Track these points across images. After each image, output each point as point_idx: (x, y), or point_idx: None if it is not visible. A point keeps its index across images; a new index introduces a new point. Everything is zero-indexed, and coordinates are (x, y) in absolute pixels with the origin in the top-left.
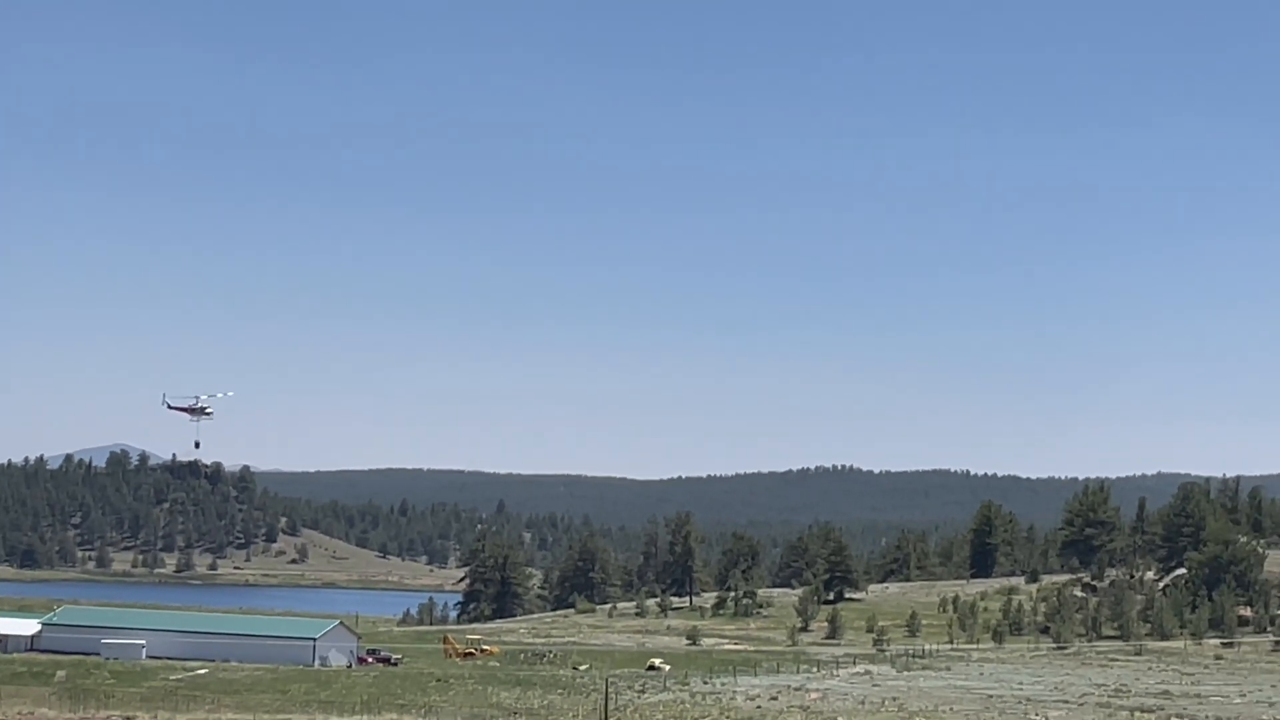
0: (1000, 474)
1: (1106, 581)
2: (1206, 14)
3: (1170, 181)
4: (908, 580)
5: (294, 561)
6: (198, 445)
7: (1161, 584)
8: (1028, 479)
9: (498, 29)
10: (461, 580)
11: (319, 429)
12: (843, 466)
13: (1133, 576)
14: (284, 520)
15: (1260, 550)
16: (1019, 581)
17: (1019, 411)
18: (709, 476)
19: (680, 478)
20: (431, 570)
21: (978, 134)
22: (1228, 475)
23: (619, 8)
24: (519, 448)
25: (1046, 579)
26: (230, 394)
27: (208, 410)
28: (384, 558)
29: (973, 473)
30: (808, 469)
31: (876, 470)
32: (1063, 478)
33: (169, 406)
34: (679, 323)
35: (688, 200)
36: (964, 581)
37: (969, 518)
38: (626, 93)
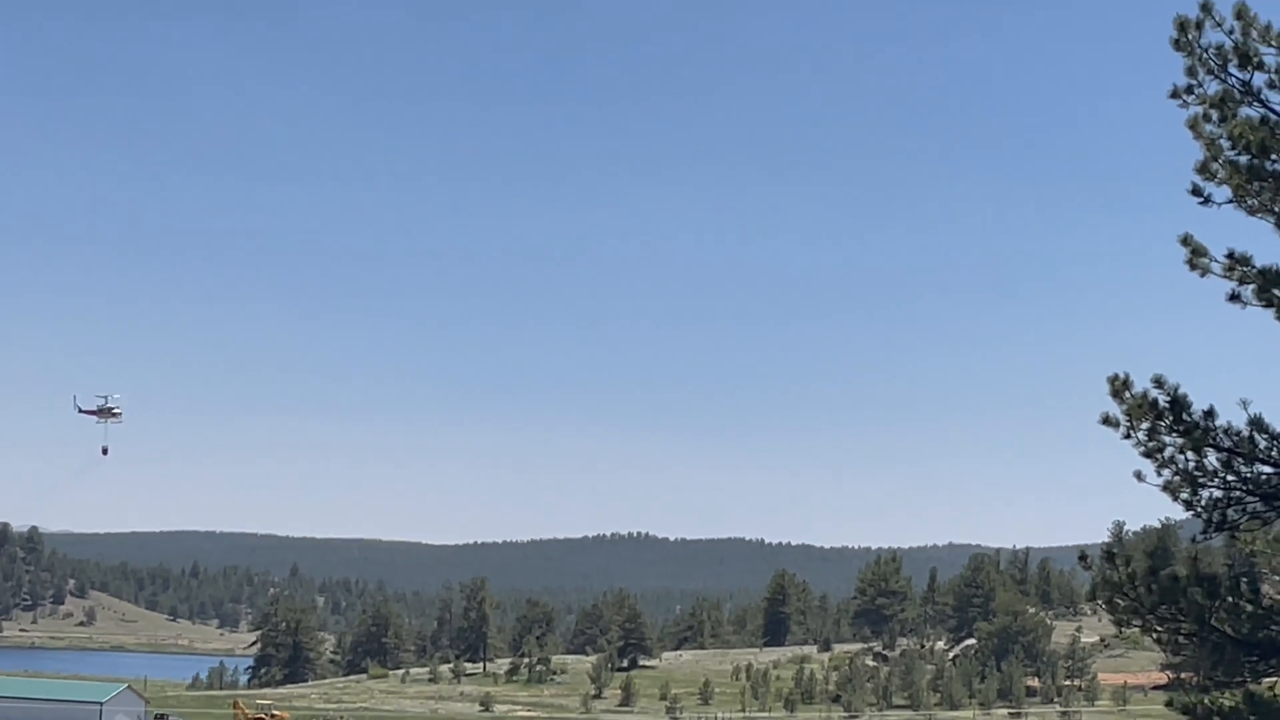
0: (794, 543)
1: (898, 651)
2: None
3: (956, 253)
4: (702, 648)
5: (82, 624)
6: (105, 451)
7: (951, 654)
8: (821, 548)
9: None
10: (253, 644)
11: (109, 489)
12: (638, 534)
13: (923, 646)
14: (72, 582)
15: (1048, 621)
16: (812, 650)
17: (813, 480)
18: (504, 542)
19: (475, 543)
20: (223, 634)
21: (733, 182)
22: (1017, 547)
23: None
24: (313, 511)
25: (839, 648)
26: (118, 397)
27: (116, 411)
28: (174, 621)
29: (767, 541)
30: (603, 535)
31: (671, 538)
32: (855, 547)
33: (79, 410)
34: (475, 386)
35: (482, 260)
36: (757, 650)
37: (763, 586)
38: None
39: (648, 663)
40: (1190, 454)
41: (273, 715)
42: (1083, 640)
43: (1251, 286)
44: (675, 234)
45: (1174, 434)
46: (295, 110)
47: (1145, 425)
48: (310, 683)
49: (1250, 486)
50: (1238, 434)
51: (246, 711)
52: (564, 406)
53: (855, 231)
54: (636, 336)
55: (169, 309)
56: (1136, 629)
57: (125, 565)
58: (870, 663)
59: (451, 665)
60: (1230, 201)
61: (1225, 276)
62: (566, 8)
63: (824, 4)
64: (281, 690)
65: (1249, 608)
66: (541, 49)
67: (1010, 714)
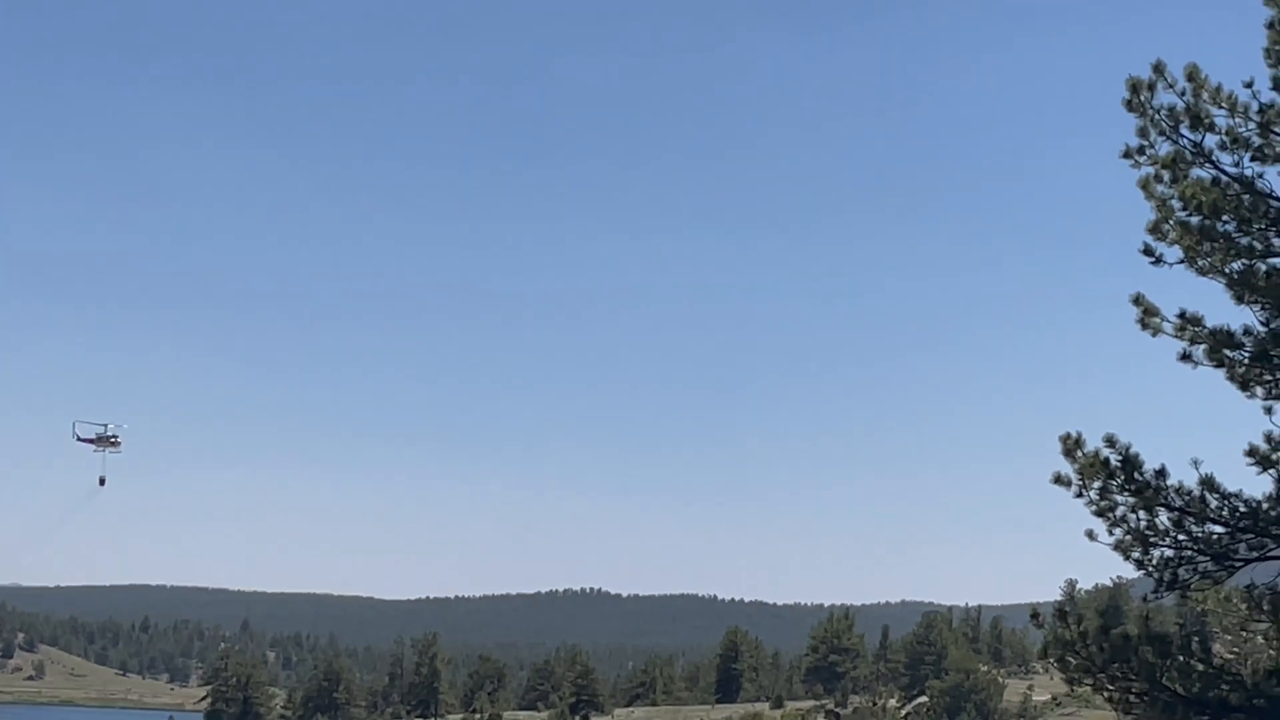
0: (747, 599)
1: (850, 708)
2: None
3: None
4: (654, 705)
5: (31, 678)
6: (102, 482)
7: (904, 711)
8: (774, 605)
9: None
10: (203, 699)
11: (59, 543)
12: (591, 589)
13: (875, 704)
14: (21, 636)
15: (1000, 679)
16: (764, 707)
17: (765, 537)
18: (456, 597)
19: (427, 598)
20: (173, 689)
21: (687, 236)
22: (970, 604)
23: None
24: (264, 565)
25: (791, 705)
26: (124, 426)
27: (115, 440)
28: (124, 675)
29: (720, 598)
30: (555, 591)
31: (624, 594)
32: (808, 604)
33: (78, 438)
34: (426, 440)
35: (436, 314)
36: (710, 706)
37: (715, 643)
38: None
39: (600, 719)
40: (1142, 513)
41: None
42: (1035, 699)
43: (1203, 346)
44: (630, 293)
45: (1126, 493)
46: (250, 169)
47: (1097, 484)
48: None
49: (1201, 546)
50: (1189, 493)
51: None
52: (517, 463)
53: (804, 293)
54: (589, 393)
55: (114, 361)
56: (1088, 687)
57: (75, 619)
58: (822, 719)
59: None
60: (1182, 262)
61: (1177, 336)
62: (538, 75)
63: (786, 75)
64: None
65: (1200, 667)
66: (509, 116)
67: None
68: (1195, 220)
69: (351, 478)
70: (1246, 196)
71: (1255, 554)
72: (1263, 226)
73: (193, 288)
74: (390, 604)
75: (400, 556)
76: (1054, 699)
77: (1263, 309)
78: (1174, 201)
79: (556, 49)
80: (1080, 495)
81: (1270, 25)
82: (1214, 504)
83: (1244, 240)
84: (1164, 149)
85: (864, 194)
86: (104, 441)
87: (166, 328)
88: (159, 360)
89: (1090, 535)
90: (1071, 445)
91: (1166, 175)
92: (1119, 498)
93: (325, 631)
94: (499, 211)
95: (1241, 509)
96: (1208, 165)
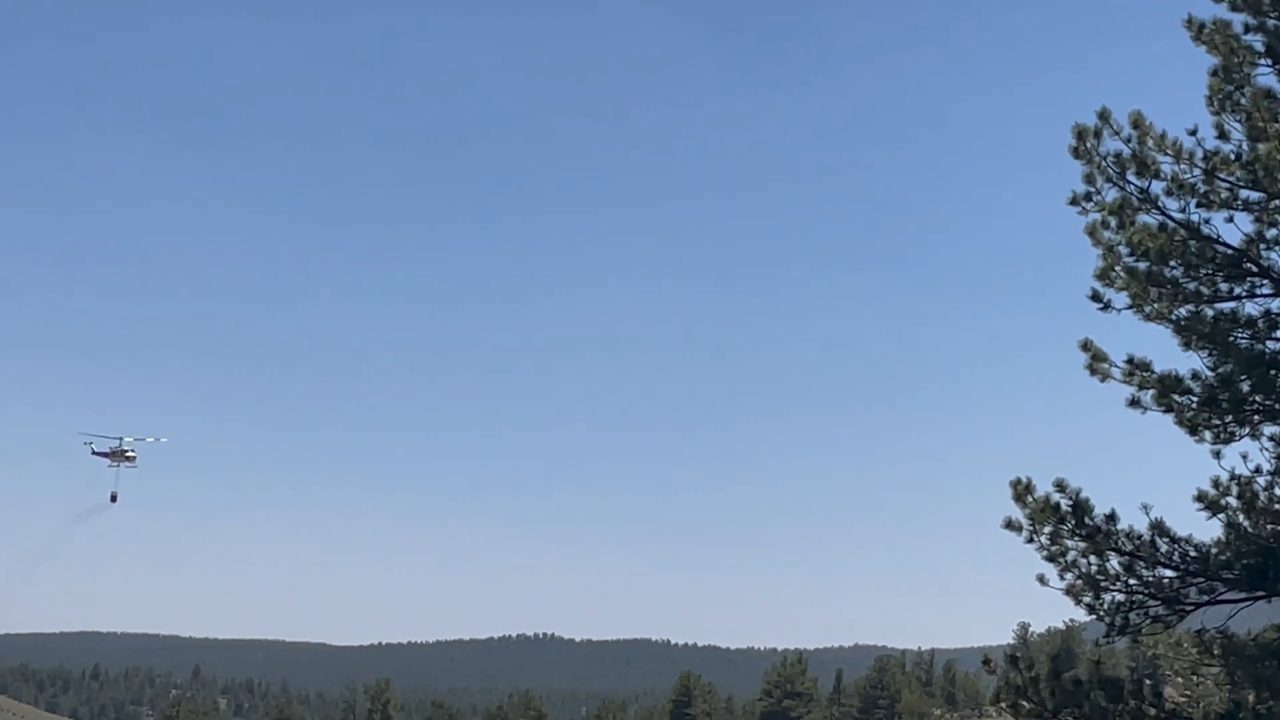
0: (700, 644)
1: None
2: None
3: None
4: None
5: None
6: (114, 499)
7: None
8: (727, 649)
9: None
10: None
11: (7, 590)
12: (544, 634)
13: None
14: None
15: None
16: None
17: (719, 581)
18: (409, 643)
19: (380, 644)
20: None
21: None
22: (923, 648)
23: None
24: (215, 611)
25: None
26: (163, 440)
27: (130, 455)
28: None
29: (673, 642)
30: (509, 636)
31: (577, 638)
32: (761, 648)
33: (94, 453)
34: (381, 486)
35: (381, 362)
36: None
37: (669, 687)
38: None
39: None
40: (1093, 558)
41: None
42: None
43: (1151, 391)
44: (578, 339)
45: (1076, 538)
46: (221, 225)
47: (1048, 529)
48: None
49: (1152, 590)
50: (1139, 538)
51: None
52: (470, 508)
53: (755, 340)
54: (541, 437)
55: (60, 408)
56: None
57: (25, 667)
58: None
59: None
60: (1130, 307)
61: (1125, 382)
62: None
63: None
64: None
65: (1151, 711)
66: (473, 171)
67: None
68: (1142, 266)
69: (303, 524)
70: (1193, 242)
71: (1206, 598)
72: (1209, 271)
73: (133, 334)
74: (342, 650)
75: (352, 602)
76: None
77: (1210, 354)
78: (1121, 247)
79: (517, 103)
80: (1031, 540)
81: (1213, 72)
82: (1164, 548)
83: (1191, 285)
84: (1110, 195)
85: (810, 244)
86: (119, 456)
87: (110, 369)
88: (107, 406)
89: (1042, 580)
90: (1022, 490)
91: (1113, 221)
92: (1070, 542)
93: (277, 678)
94: (438, 260)
95: (1192, 553)
96: (1154, 211)
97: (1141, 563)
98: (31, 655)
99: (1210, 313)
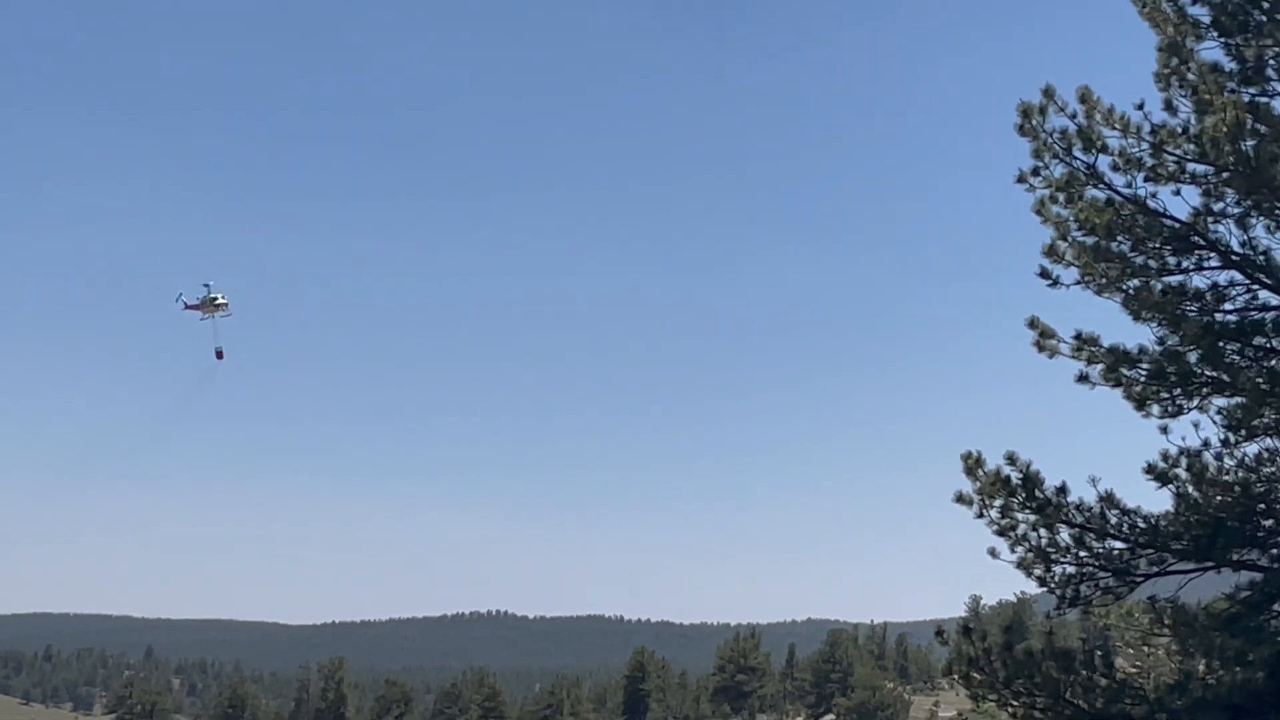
0: (653, 619)
1: None
2: None
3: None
4: None
5: None
6: (220, 354)
7: None
8: (680, 624)
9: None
10: None
11: None
12: (497, 612)
13: None
14: None
15: (906, 696)
16: None
17: (671, 557)
18: (362, 622)
19: (333, 622)
20: (77, 718)
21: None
22: (875, 622)
23: None
24: (167, 591)
25: None
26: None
27: (222, 301)
28: (27, 704)
29: (626, 618)
30: (462, 614)
31: (530, 615)
32: (714, 623)
33: (185, 306)
34: (327, 465)
35: (326, 344)
36: None
37: (622, 664)
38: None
39: None
40: (1043, 530)
41: None
42: (940, 715)
43: (1100, 366)
44: (535, 321)
45: (1027, 510)
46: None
47: (998, 503)
48: None
49: (1102, 562)
50: (1089, 510)
51: None
52: (422, 486)
53: (710, 316)
54: (492, 417)
55: (21, 383)
56: (993, 703)
57: None
58: None
59: None
60: (1078, 283)
61: (1074, 357)
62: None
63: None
64: None
65: (1103, 682)
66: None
67: None
68: (1090, 240)
69: (255, 502)
70: (1140, 216)
71: (1155, 569)
72: (1157, 245)
73: (99, 313)
74: (295, 629)
75: (305, 581)
76: (959, 715)
77: (1159, 325)
78: (1070, 223)
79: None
80: (982, 515)
81: (1160, 48)
82: (1114, 520)
83: (1139, 259)
84: (1058, 171)
85: (761, 223)
86: (210, 306)
87: (69, 356)
88: (63, 390)
89: (993, 553)
90: (973, 464)
91: (1061, 197)
92: (1020, 515)
93: (230, 658)
94: (402, 245)
95: (1141, 525)
96: (1101, 186)
97: (1092, 535)
98: None
99: (1158, 285)
